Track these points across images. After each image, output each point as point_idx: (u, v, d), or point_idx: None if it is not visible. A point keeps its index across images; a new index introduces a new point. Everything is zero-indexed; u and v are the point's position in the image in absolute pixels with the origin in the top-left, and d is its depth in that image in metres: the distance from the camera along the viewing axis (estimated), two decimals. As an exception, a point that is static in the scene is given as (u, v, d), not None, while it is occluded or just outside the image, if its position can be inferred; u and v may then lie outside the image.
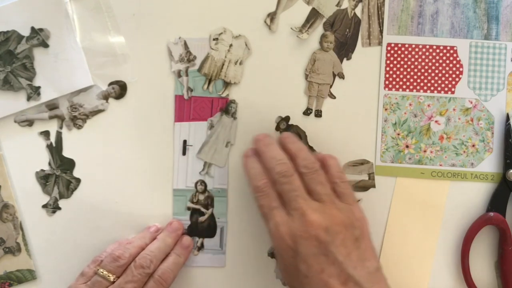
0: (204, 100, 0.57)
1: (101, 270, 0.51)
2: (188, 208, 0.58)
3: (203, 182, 0.57)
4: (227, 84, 0.57)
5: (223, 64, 0.57)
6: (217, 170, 0.57)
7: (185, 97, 0.57)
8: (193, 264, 0.58)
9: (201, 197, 0.58)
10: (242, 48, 0.57)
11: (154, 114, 0.57)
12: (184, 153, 0.57)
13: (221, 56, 0.57)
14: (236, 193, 0.58)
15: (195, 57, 0.56)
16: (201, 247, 0.58)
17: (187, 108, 0.57)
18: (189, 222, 0.57)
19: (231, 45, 0.56)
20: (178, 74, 0.57)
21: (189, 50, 0.56)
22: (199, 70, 0.57)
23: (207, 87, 0.57)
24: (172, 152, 0.57)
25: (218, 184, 0.57)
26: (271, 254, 0.58)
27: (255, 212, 0.57)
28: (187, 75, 0.57)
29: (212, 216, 0.57)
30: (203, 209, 0.58)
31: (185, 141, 0.57)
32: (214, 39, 0.56)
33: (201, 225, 0.58)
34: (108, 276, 0.51)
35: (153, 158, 0.57)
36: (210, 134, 0.56)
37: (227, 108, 0.56)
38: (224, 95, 0.57)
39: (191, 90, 0.57)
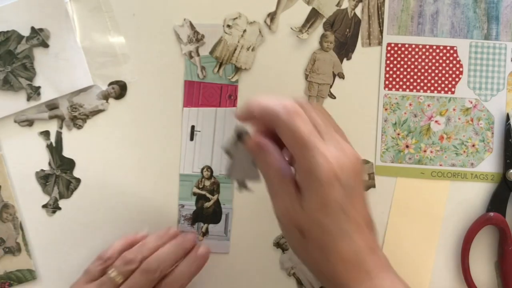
0: (213, 86, 0.58)
1: (111, 271, 0.49)
2: (194, 194, 0.58)
3: (209, 168, 0.58)
4: (237, 69, 0.57)
5: (235, 49, 0.57)
6: (224, 157, 0.57)
7: (200, 76, 0.57)
8: None
9: (207, 183, 0.58)
10: (256, 34, 0.57)
11: (162, 100, 0.57)
12: (192, 138, 0.58)
13: (234, 41, 0.57)
14: None
15: (203, 36, 0.57)
16: (205, 233, 0.58)
17: (196, 94, 0.58)
18: (194, 208, 0.58)
19: (245, 31, 0.57)
20: (190, 56, 0.57)
21: (196, 30, 0.57)
22: (211, 52, 0.57)
23: (218, 71, 0.57)
24: (180, 138, 0.58)
25: (225, 170, 0.58)
26: (277, 244, 0.58)
27: (261, 200, 0.57)
28: (198, 55, 0.57)
29: (217, 202, 0.58)
30: (208, 195, 0.58)
31: (193, 127, 0.58)
32: (227, 25, 0.56)
33: (206, 210, 0.58)
34: (117, 278, 0.49)
35: (161, 143, 0.57)
36: (233, 160, 0.52)
37: (238, 136, 0.53)
38: (233, 80, 0.57)
39: (205, 69, 0.57)
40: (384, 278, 0.43)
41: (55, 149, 0.57)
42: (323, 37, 0.57)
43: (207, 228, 0.58)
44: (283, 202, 0.44)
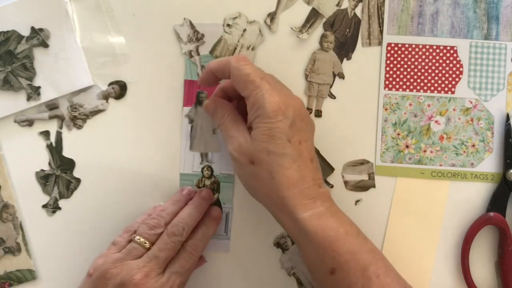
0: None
1: (138, 237, 0.51)
2: None
3: (209, 167, 0.58)
4: None
5: (235, 48, 0.57)
6: (224, 156, 0.58)
7: (200, 75, 0.57)
8: None
9: (208, 182, 0.58)
10: (256, 34, 0.57)
11: (162, 100, 0.57)
12: None
13: (234, 40, 0.57)
14: None
15: (203, 35, 0.57)
16: None
17: (196, 93, 0.57)
18: None
19: (245, 30, 0.57)
20: (190, 55, 0.57)
21: (196, 29, 0.57)
22: (211, 52, 0.57)
23: None
24: (180, 137, 0.58)
25: (224, 169, 0.58)
26: (277, 244, 0.58)
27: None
28: (198, 54, 0.57)
29: (218, 201, 0.58)
30: None
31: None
32: (227, 25, 0.56)
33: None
34: (145, 243, 0.51)
35: (161, 143, 0.57)
36: (194, 127, 0.57)
37: (198, 99, 0.56)
38: None
39: (205, 68, 0.57)
40: (328, 207, 0.48)
41: (55, 149, 0.57)
42: (323, 37, 0.57)
43: (207, 228, 0.58)
44: (237, 140, 0.50)
